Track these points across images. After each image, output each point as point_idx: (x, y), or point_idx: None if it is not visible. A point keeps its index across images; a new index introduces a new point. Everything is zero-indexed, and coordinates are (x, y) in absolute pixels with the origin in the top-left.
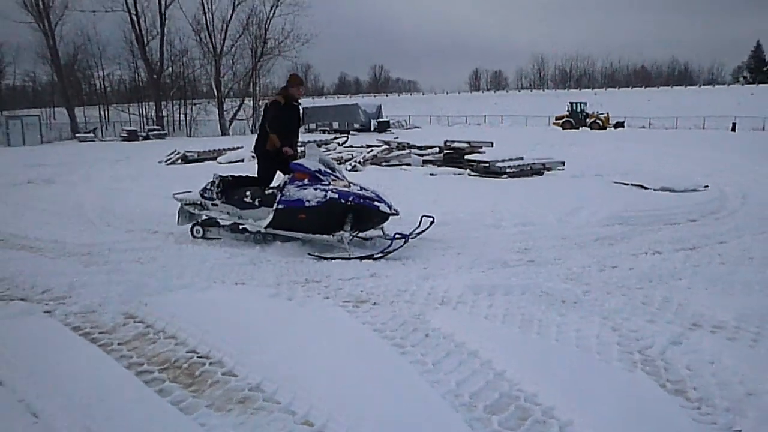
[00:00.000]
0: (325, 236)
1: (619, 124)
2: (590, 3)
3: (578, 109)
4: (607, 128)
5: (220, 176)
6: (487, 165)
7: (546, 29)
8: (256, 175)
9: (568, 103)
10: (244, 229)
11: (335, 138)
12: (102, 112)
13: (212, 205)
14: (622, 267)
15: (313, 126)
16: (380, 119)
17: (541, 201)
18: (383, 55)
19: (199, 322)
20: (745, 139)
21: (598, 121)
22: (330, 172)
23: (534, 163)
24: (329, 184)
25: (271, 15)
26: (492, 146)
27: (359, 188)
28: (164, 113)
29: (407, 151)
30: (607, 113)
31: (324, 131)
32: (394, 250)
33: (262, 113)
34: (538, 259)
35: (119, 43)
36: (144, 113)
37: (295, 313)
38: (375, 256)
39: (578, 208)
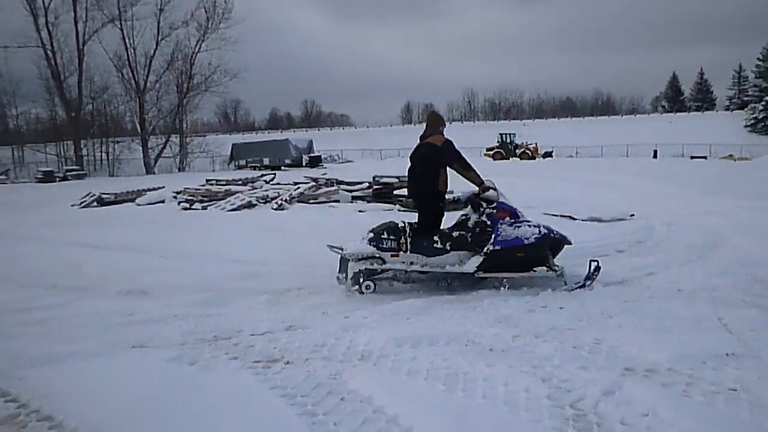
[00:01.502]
0: (541, 271)
1: (548, 154)
2: (517, 38)
3: (508, 140)
4: (537, 158)
5: (398, 225)
6: None
7: (475, 63)
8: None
9: (498, 135)
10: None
11: (262, 175)
12: (15, 153)
13: (391, 256)
14: (551, 307)
15: (242, 163)
16: (312, 154)
17: None
18: (315, 90)
19: (81, 399)
20: (666, 165)
21: (527, 151)
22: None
23: (465, 195)
24: (528, 220)
25: (196, 50)
26: None
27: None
28: (84, 152)
29: (335, 187)
30: (536, 143)
31: (254, 168)
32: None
33: (423, 153)
34: (466, 302)
35: (34, 79)
36: (62, 153)
37: (196, 381)
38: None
39: None
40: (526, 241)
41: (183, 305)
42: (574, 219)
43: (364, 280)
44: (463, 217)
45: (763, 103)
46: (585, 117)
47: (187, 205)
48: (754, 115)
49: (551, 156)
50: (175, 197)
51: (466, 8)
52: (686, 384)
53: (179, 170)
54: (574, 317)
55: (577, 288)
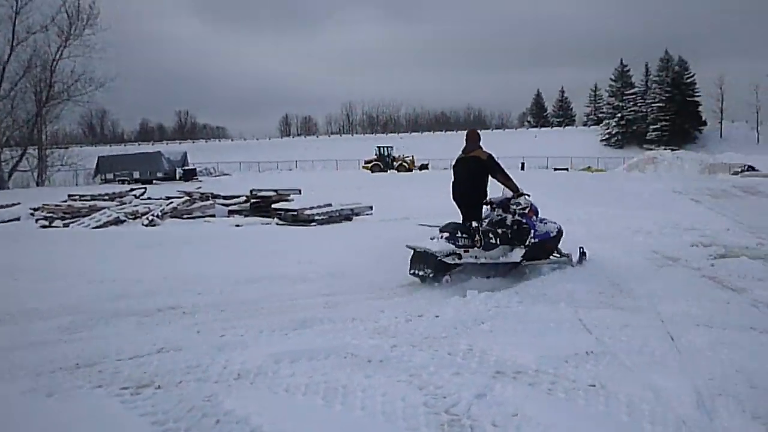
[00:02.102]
0: (560, 258)
1: (424, 166)
2: (394, 54)
3: (385, 153)
4: (413, 170)
5: (468, 225)
6: (295, 213)
7: (353, 76)
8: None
9: (375, 147)
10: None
11: (131, 190)
12: None
13: (464, 252)
14: (428, 316)
15: (110, 176)
16: (186, 167)
17: (350, 248)
18: (189, 101)
19: None
20: (532, 176)
21: (404, 163)
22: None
23: (343, 209)
24: (545, 218)
25: (57, 56)
26: (300, 194)
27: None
28: None
29: (211, 201)
30: (412, 156)
31: (123, 182)
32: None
33: (472, 166)
34: (344, 313)
35: None
36: None
37: (54, 414)
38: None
39: (387, 253)
40: (551, 234)
41: (41, 331)
42: None
43: (444, 274)
44: (499, 217)
45: (616, 119)
46: (458, 131)
47: (47, 223)
48: (608, 131)
49: (427, 168)
50: (32, 214)
51: (343, 22)
52: (551, 383)
53: (38, 185)
54: (449, 325)
55: (577, 265)
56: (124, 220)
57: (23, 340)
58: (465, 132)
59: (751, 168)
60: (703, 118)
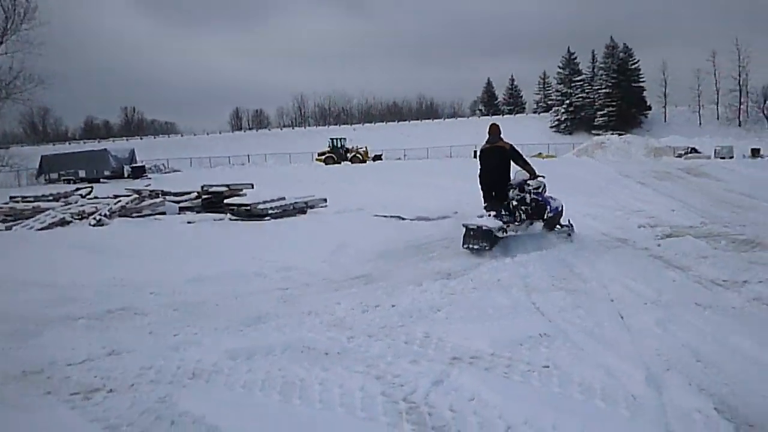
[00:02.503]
0: (563, 228)
1: (378, 157)
2: (344, 46)
3: (339, 145)
4: (367, 161)
5: (509, 204)
6: (249, 208)
7: (304, 69)
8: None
9: (329, 139)
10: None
11: (77, 189)
12: None
13: (507, 227)
14: (384, 305)
15: (54, 176)
16: (134, 165)
17: (305, 241)
18: (137, 97)
19: None
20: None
21: (358, 155)
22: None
23: (296, 203)
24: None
25: None
26: (252, 188)
27: None
28: None
29: (161, 198)
30: (366, 147)
31: (68, 181)
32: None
33: (498, 155)
34: (301, 307)
35: None
36: None
37: (2, 424)
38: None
39: (342, 245)
40: (559, 209)
41: None
42: (403, 219)
43: (493, 246)
44: (520, 197)
45: (564, 106)
46: (411, 121)
47: None
48: (557, 117)
49: (381, 159)
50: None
51: (291, 15)
52: (506, 366)
53: None
54: (405, 314)
55: (565, 235)
56: (71, 221)
57: None
58: (416, 122)
59: (693, 150)
60: (648, 104)
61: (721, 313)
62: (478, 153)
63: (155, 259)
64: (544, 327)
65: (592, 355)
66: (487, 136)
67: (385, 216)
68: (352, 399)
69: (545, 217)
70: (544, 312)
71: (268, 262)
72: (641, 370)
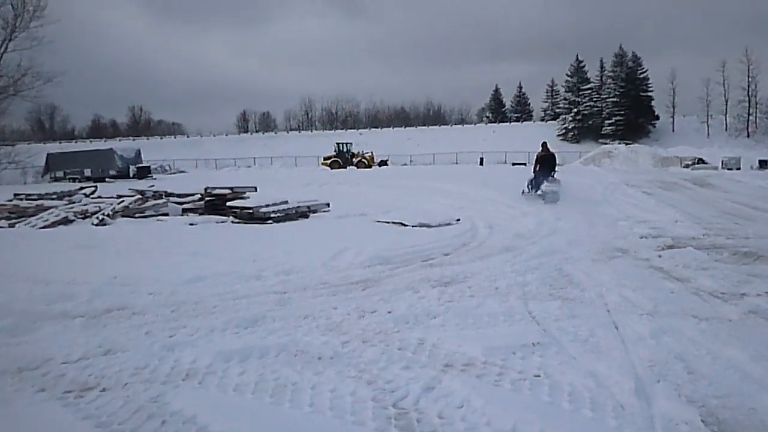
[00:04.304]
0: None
1: (383, 162)
2: (351, 49)
3: (345, 149)
4: (373, 167)
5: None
6: (251, 211)
7: (312, 71)
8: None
9: (335, 144)
10: None
11: (81, 188)
12: None
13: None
14: (381, 311)
15: (60, 174)
16: (140, 165)
17: (306, 245)
18: (144, 97)
19: None
20: (490, 171)
21: (363, 160)
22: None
23: (299, 206)
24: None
25: (3, 49)
26: (256, 191)
27: None
28: None
29: (164, 199)
30: (372, 152)
31: (73, 180)
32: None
33: (550, 159)
34: (297, 310)
35: None
36: None
37: None
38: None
39: (342, 250)
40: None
41: None
42: (405, 225)
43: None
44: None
45: (572, 114)
46: (418, 126)
47: None
48: (564, 125)
49: (387, 164)
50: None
51: (295, 17)
52: (498, 374)
53: None
54: (401, 320)
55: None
56: (73, 220)
57: None
58: (423, 128)
59: (701, 161)
60: (656, 113)
61: (717, 325)
62: (537, 156)
63: (155, 259)
64: (538, 335)
65: (583, 364)
66: (540, 149)
67: (386, 222)
68: (342, 403)
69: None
70: (539, 320)
71: (267, 265)
72: (632, 381)
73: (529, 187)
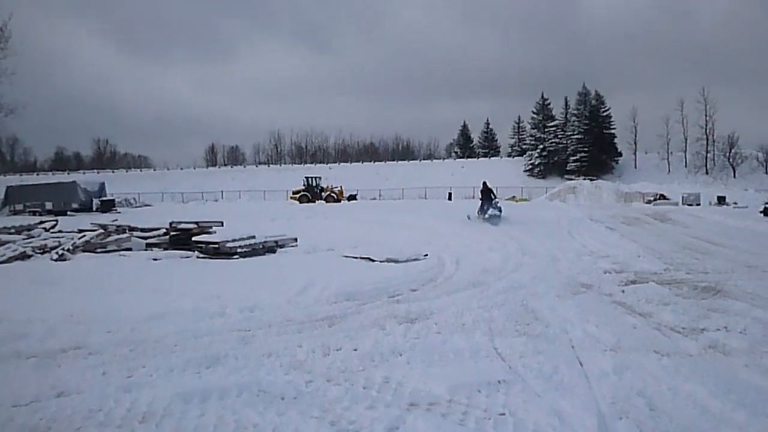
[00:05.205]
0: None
1: (352, 197)
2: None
3: (313, 184)
4: (342, 201)
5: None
6: (217, 246)
7: (281, 106)
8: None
9: (304, 178)
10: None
11: (41, 222)
12: None
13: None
14: (346, 348)
15: (20, 207)
16: (104, 198)
17: (272, 281)
18: (108, 129)
19: None
20: (458, 206)
21: (332, 194)
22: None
23: (266, 241)
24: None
25: None
26: (222, 226)
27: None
28: None
29: (127, 234)
30: (341, 187)
31: (34, 213)
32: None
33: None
34: (261, 348)
35: None
36: None
37: None
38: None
39: (308, 286)
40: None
41: None
42: (372, 260)
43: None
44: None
45: (538, 150)
46: (386, 161)
47: None
48: (531, 161)
49: (356, 199)
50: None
51: (265, 53)
52: (462, 413)
53: None
54: (366, 357)
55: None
56: (32, 255)
57: None
58: (392, 162)
59: (662, 196)
60: (619, 150)
61: (678, 360)
62: (481, 191)
63: (115, 295)
64: (503, 372)
65: (548, 401)
66: (482, 186)
67: (354, 257)
68: None
69: (501, 211)
70: (504, 357)
71: (231, 302)
72: (595, 418)
73: (478, 213)
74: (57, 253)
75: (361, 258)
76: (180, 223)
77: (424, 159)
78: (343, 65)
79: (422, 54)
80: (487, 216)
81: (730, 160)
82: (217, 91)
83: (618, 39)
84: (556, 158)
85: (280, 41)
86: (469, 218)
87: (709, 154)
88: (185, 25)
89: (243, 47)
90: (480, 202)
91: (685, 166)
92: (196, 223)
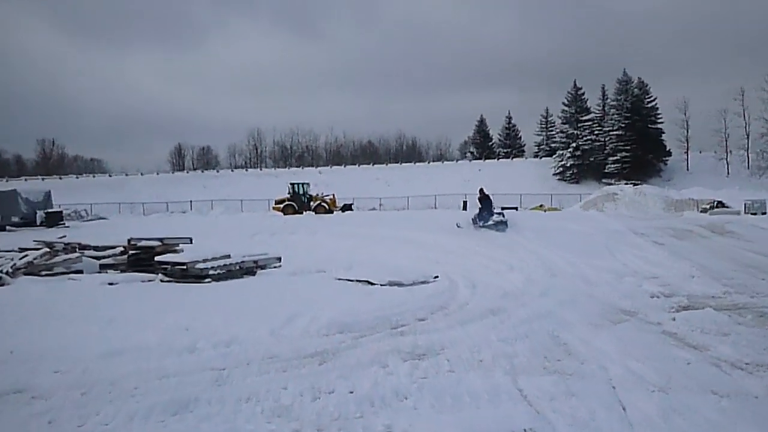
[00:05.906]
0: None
1: (347, 207)
2: (307, 76)
3: (301, 191)
4: (334, 212)
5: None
6: (185, 267)
7: (261, 101)
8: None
9: (289, 184)
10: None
11: None
12: None
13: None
14: (340, 391)
15: None
16: (49, 210)
17: (251, 310)
18: (55, 129)
19: None
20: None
21: (323, 204)
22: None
23: (244, 261)
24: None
25: None
26: (191, 243)
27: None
28: None
29: (78, 254)
30: (333, 195)
31: None
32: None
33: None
34: (239, 391)
35: None
36: None
37: None
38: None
39: (295, 315)
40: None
41: None
42: (371, 284)
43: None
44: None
45: (570, 150)
46: (388, 164)
47: None
48: (562, 163)
49: (351, 209)
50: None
51: (241, 37)
52: None
53: None
54: (365, 401)
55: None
56: None
57: None
58: (395, 165)
59: (720, 204)
60: (668, 148)
61: (740, 402)
62: (478, 199)
63: (64, 328)
64: (529, 419)
65: None
66: (479, 194)
67: (349, 280)
68: None
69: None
70: (531, 400)
71: (203, 335)
72: None
73: (474, 221)
74: None
75: (358, 281)
76: (141, 240)
77: (433, 161)
78: (334, 52)
79: (428, 37)
80: (491, 223)
81: None
82: (185, 83)
83: (665, 16)
84: (591, 159)
85: (259, 25)
86: (458, 226)
87: None
88: (147, 8)
89: (214, 32)
90: (478, 210)
91: (748, 167)
92: (160, 240)
